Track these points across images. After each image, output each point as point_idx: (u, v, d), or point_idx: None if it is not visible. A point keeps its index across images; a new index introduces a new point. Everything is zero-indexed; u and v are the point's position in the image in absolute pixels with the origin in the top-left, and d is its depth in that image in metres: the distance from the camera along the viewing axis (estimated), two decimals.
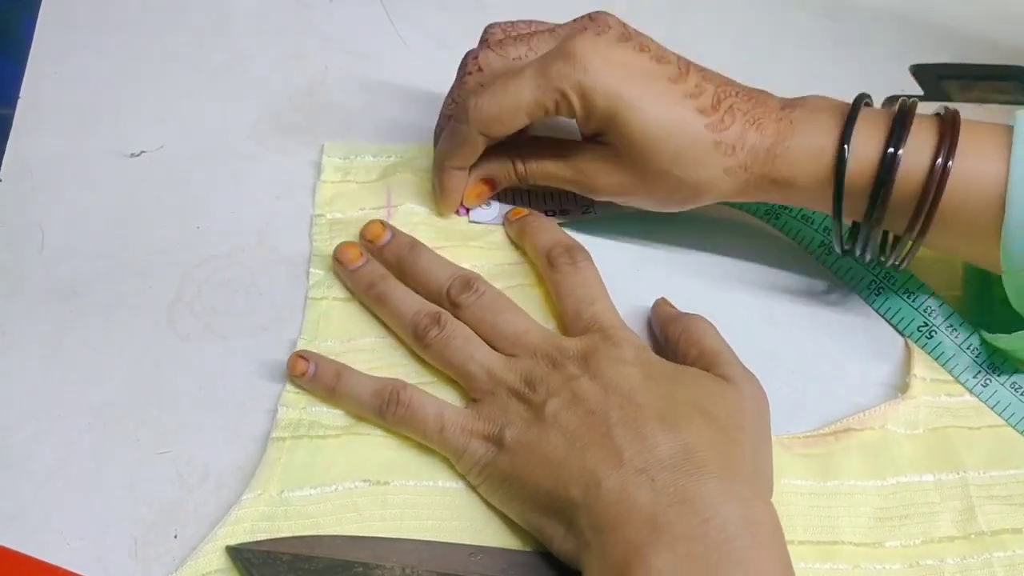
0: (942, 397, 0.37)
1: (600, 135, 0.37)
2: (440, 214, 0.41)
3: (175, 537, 0.31)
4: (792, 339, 0.39)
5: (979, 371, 0.37)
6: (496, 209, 0.41)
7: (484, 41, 0.40)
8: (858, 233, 0.36)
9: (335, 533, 0.31)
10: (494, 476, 0.32)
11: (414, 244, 0.38)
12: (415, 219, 0.41)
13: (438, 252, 0.39)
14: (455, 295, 0.36)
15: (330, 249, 0.39)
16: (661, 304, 0.39)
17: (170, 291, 0.38)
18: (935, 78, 0.52)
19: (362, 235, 0.39)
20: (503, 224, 0.41)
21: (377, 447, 0.34)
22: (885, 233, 0.36)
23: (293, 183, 0.42)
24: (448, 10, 0.53)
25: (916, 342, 0.39)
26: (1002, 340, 0.36)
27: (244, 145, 0.44)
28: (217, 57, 0.48)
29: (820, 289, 0.41)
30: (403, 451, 0.34)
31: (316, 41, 0.50)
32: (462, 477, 0.33)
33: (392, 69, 0.49)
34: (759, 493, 0.31)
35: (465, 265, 0.39)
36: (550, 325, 0.37)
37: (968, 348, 0.38)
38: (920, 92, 0.51)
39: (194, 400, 0.35)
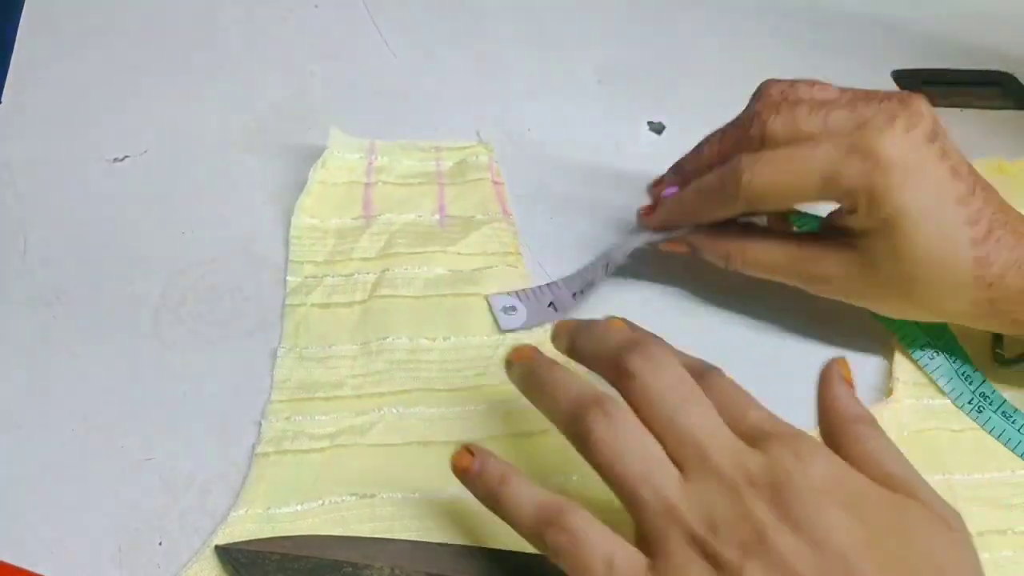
0: (925, 400, 0.37)
1: (856, 235, 0.34)
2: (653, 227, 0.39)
3: (160, 544, 0.31)
4: (775, 339, 0.39)
5: (972, 397, 0.38)
6: (523, 314, 0.38)
7: (774, 97, 0.36)
8: None
9: None
10: None
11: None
12: (393, 228, 0.41)
13: (415, 257, 0.39)
14: (625, 361, 0.29)
15: (305, 256, 0.39)
16: (834, 380, 0.30)
17: (154, 297, 0.38)
18: (917, 83, 0.53)
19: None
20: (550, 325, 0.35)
21: (362, 458, 0.33)
22: None
23: (278, 188, 0.42)
24: (434, 14, 0.53)
25: (918, 360, 0.39)
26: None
27: (229, 150, 0.44)
28: (202, 62, 0.48)
29: (806, 292, 0.41)
30: (389, 462, 0.33)
31: (301, 46, 0.50)
32: (449, 486, 0.33)
33: (377, 74, 0.49)
34: None
35: (439, 271, 0.39)
36: None
37: (963, 375, 0.38)
38: None
39: (179, 406, 0.35)
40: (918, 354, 0.39)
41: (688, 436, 0.27)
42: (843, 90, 0.36)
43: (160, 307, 0.38)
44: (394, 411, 0.35)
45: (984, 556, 0.33)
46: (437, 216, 0.42)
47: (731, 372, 0.38)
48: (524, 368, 0.31)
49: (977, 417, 0.37)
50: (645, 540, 0.27)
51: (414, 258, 0.40)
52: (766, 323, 0.40)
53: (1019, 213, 0.35)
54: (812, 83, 0.36)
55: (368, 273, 0.39)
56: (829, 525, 0.25)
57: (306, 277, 0.39)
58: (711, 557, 0.25)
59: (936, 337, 0.39)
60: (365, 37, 0.51)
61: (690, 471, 0.27)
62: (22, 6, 0.48)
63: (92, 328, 0.37)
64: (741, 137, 0.36)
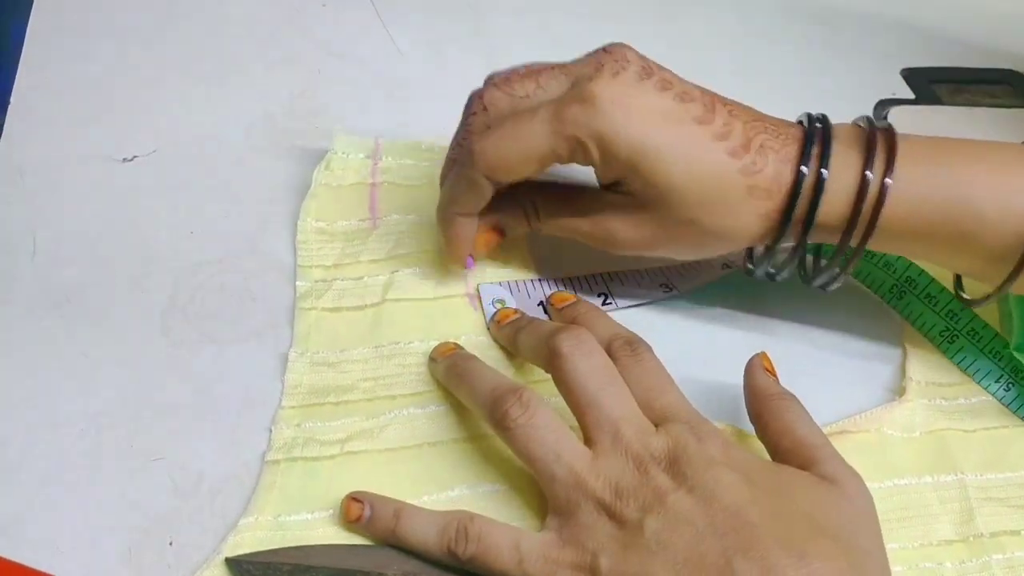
0: (937, 400, 0.37)
1: (620, 185, 0.34)
2: (447, 265, 0.38)
3: (170, 544, 0.31)
4: (788, 341, 0.39)
5: (1001, 375, 0.37)
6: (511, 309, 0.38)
7: (488, 81, 0.37)
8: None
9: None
10: None
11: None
12: (401, 228, 0.41)
13: (424, 258, 0.39)
14: (557, 346, 0.32)
15: (313, 260, 0.39)
16: (756, 369, 0.35)
17: (163, 297, 0.38)
18: (926, 82, 0.52)
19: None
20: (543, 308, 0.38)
21: (372, 465, 0.33)
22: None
23: (286, 187, 0.42)
24: (441, 13, 0.53)
25: (939, 347, 0.39)
26: None
27: (237, 150, 0.44)
28: (210, 61, 0.48)
29: (813, 295, 0.41)
30: (398, 468, 0.33)
31: (309, 45, 0.50)
32: (457, 485, 0.33)
33: (385, 73, 0.49)
34: None
35: (452, 270, 0.39)
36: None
37: (991, 353, 0.38)
38: (911, 96, 0.51)
39: (188, 407, 0.35)
40: (938, 340, 0.38)
41: (604, 416, 0.31)
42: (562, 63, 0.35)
43: (169, 307, 0.38)
44: (405, 412, 0.35)
45: (997, 557, 0.33)
46: None
47: (740, 379, 0.38)
48: (447, 362, 0.35)
49: (1004, 396, 0.37)
50: (557, 514, 0.30)
51: (423, 259, 0.40)
52: (777, 326, 0.40)
53: (778, 119, 0.34)
54: (526, 66, 0.36)
55: (378, 275, 0.39)
56: (719, 485, 0.28)
57: (315, 281, 0.39)
58: (615, 517, 0.29)
59: (954, 319, 0.38)
60: (373, 36, 0.51)
61: (601, 448, 0.30)
62: (31, 6, 0.48)
63: (101, 328, 0.37)
64: (470, 119, 0.35)
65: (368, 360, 0.36)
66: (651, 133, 0.32)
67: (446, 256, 0.38)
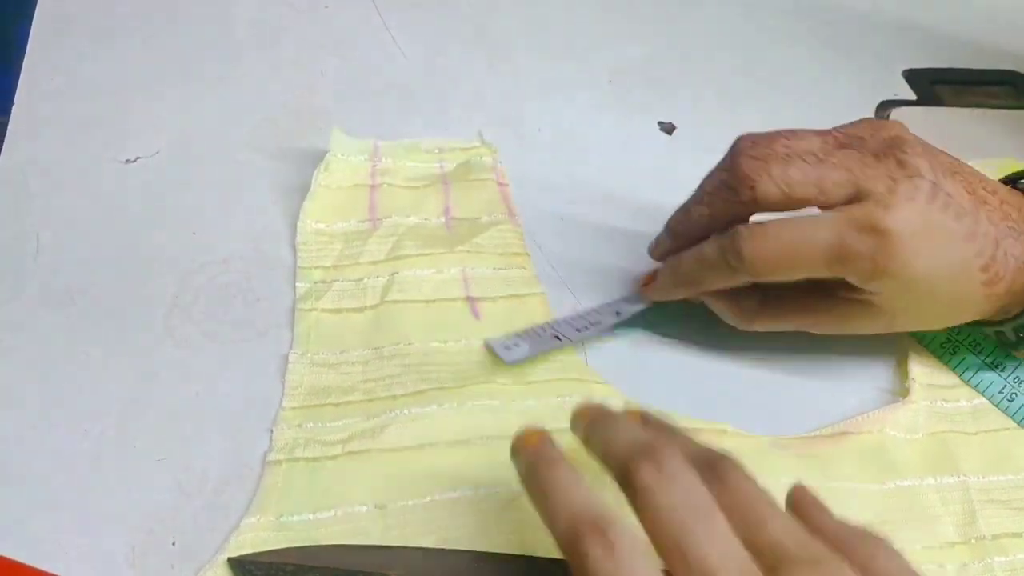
0: (938, 402, 0.37)
1: (867, 294, 0.34)
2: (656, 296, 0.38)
3: (173, 544, 0.31)
4: (790, 341, 0.39)
5: (1004, 386, 0.38)
6: (526, 348, 0.37)
7: (741, 153, 0.34)
8: None
9: None
10: None
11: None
12: (400, 230, 0.41)
13: (423, 260, 0.39)
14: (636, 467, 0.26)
15: (313, 261, 0.39)
16: (809, 506, 0.28)
17: (167, 297, 0.38)
18: (928, 83, 0.52)
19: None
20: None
21: (374, 465, 0.33)
22: None
23: (289, 188, 0.42)
24: (444, 14, 0.53)
25: (940, 358, 0.39)
26: None
27: (240, 151, 0.44)
28: (213, 63, 0.48)
29: None
30: (400, 468, 0.33)
31: (311, 46, 0.50)
32: (461, 488, 0.33)
33: (388, 74, 0.49)
34: None
35: (454, 271, 0.39)
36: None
37: (993, 364, 0.38)
38: (913, 97, 0.51)
39: (191, 406, 0.35)
40: (939, 351, 0.38)
41: (696, 563, 0.24)
42: (824, 137, 0.34)
43: (172, 307, 0.38)
44: (406, 412, 0.35)
45: (999, 559, 0.33)
46: (443, 219, 0.42)
47: (740, 379, 0.38)
48: (528, 462, 0.29)
49: (1007, 407, 0.37)
50: None
51: (423, 260, 0.40)
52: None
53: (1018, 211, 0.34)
54: (790, 133, 0.34)
55: (377, 277, 0.39)
56: None
57: (315, 282, 0.39)
58: None
59: (955, 331, 0.38)
60: (375, 37, 0.51)
61: None
62: (34, 8, 0.49)
63: (105, 328, 0.37)
64: (730, 200, 0.34)
65: (368, 361, 0.36)
66: (932, 263, 0.33)
67: (656, 288, 0.38)
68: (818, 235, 0.32)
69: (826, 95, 0.51)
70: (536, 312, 0.39)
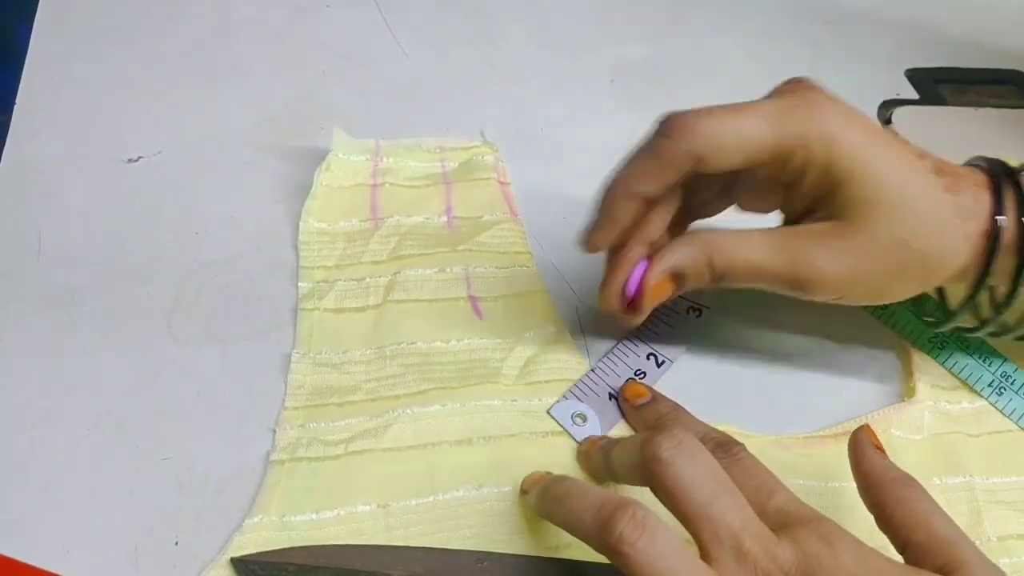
0: (941, 403, 0.37)
1: (812, 210, 0.33)
2: (604, 301, 0.34)
3: (176, 544, 0.31)
4: (792, 341, 0.39)
5: (992, 380, 0.38)
6: (594, 420, 0.35)
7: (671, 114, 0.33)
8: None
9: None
10: None
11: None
12: (402, 229, 0.41)
13: (426, 259, 0.39)
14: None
15: (315, 261, 0.39)
16: (866, 448, 0.31)
17: (169, 296, 0.38)
18: (930, 82, 0.52)
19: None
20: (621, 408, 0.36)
21: (377, 465, 0.33)
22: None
23: (291, 188, 0.42)
24: (446, 14, 0.53)
25: (929, 354, 0.39)
26: None
27: (242, 150, 0.44)
28: (214, 62, 0.48)
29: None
30: (403, 468, 0.33)
31: (313, 46, 0.50)
32: (464, 488, 0.33)
33: (390, 74, 0.49)
34: None
35: (456, 270, 0.39)
36: (565, 334, 0.37)
37: (980, 358, 0.38)
38: (916, 96, 0.51)
39: (194, 406, 0.35)
40: (927, 347, 0.38)
41: (723, 528, 0.27)
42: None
43: (174, 307, 0.38)
44: (409, 412, 0.35)
45: (1004, 561, 0.33)
46: (444, 218, 0.42)
47: (743, 380, 0.38)
48: (538, 489, 0.31)
49: (996, 400, 0.37)
50: None
51: (425, 260, 0.40)
52: (780, 326, 0.40)
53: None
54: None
55: (380, 277, 0.39)
56: None
57: (317, 282, 0.39)
58: None
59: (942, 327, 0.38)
60: (377, 37, 0.51)
61: (725, 567, 0.26)
62: (36, 7, 0.49)
63: (107, 328, 0.37)
64: (664, 148, 0.32)
65: (371, 361, 0.36)
66: (869, 143, 0.31)
67: (592, 236, 0.34)
68: (754, 109, 0.32)
69: None
70: (539, 310, 0.39)
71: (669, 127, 0.32)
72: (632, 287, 0.34)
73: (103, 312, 0.37)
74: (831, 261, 0.32)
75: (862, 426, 0.31)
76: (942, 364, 0.38)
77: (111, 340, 0.36)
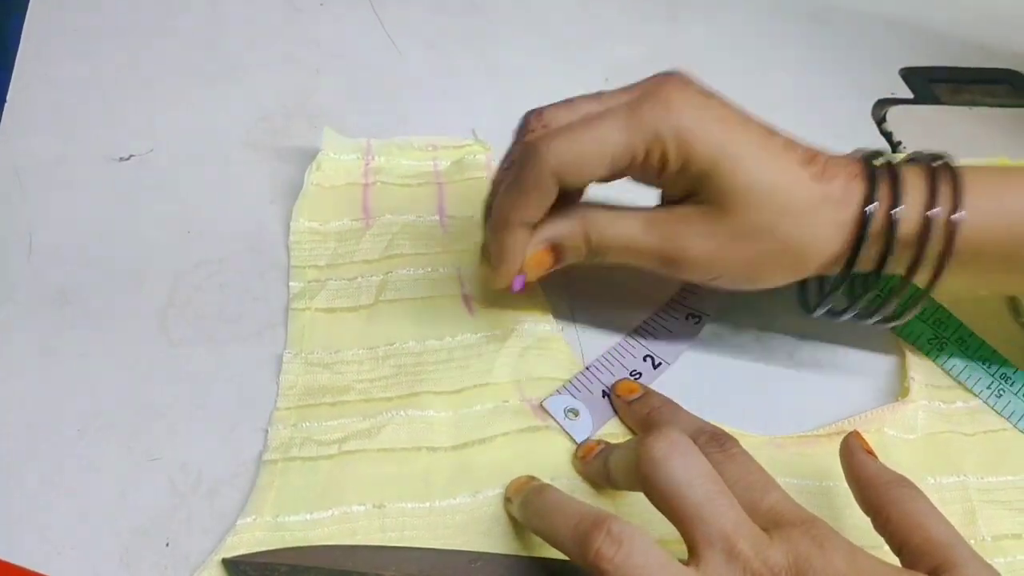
0: (936, 403, 0.37)
1: (690, 194, 0.33)
2: (495, 285, 0.35)
3: (167, 545, 0.31)
4: (787, 341, 0.39)
5: (991, 382, 0.38)
6: (587, 418, 0.35)
7: (537, 109, 0.34)
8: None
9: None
10: None
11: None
12: (394, 228, 0.41)
13: (418, 258, 0.39)
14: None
15: (307, 260, 0.39)
16: (858, 453, 0.31)
17: (162, 296, 0.38)
18: (925, 81, 0.53)
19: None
20: (613, 405, 0.36)
21: (371, 465, 0.33)
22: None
23: (284, 187, 0.42)
24: (440, 13, 0.53)
25: (927, 355, 0.39)
26: None
27: (235, 149, 0.44)
28: (207, 61, 0.48)
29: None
30: (398, 468, 0.33)
31: (307, 45, 0.50)
32: (459, 492, 0.33)
33: (383, 73, 0.49)
34: None
35: (448, 270, 0.39)
36: (558, 332, 0.37)
37: (980, 360, 0.38)
38: (910, 95, 0.51)
39: (186, 406, 0.34)
40: (926, 348, 0.38)
41: (715, 529, 0.27)
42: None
43: (167, 307, 0.37)
44: (403, 414, 0.34)
45: (999, 561, 0.33)
46: (437, 217, 0.42)
47: (737, 379, 0.38)
48: (520, 501, 0.32)
49: (995, 403, 0.37)
50: None
51: (417, 259, 0.40)
52: (775, 325, 0.40)
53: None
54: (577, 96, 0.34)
55: (372, 276, 0.39)
56: None
57: (309, 282, 0.38)
58: None
59: (942, 328, 0.38)
60: (372, 36, 0.51)
61: (714, 568, 0.26)
62: (27, 4, 0.48)
63: (99, 327, 0.36)
64: (528, 136, 0.33)
65: (363, 361, 0.36)
66: (728, 134, 0.31)
67: (496, 272, 0.35)
68: (607, 120, 0.32)
69: (823, 94, 0.51)
70: (532, 308, 0.39)
71: (526, 153, 0.32)
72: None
73: (95, 312, 0.37)
74: (699, 243, 0.32)
75: (851, 432, 0.32)
76: (940, 366, 0.38)
77: (103, 340, 0.36)
